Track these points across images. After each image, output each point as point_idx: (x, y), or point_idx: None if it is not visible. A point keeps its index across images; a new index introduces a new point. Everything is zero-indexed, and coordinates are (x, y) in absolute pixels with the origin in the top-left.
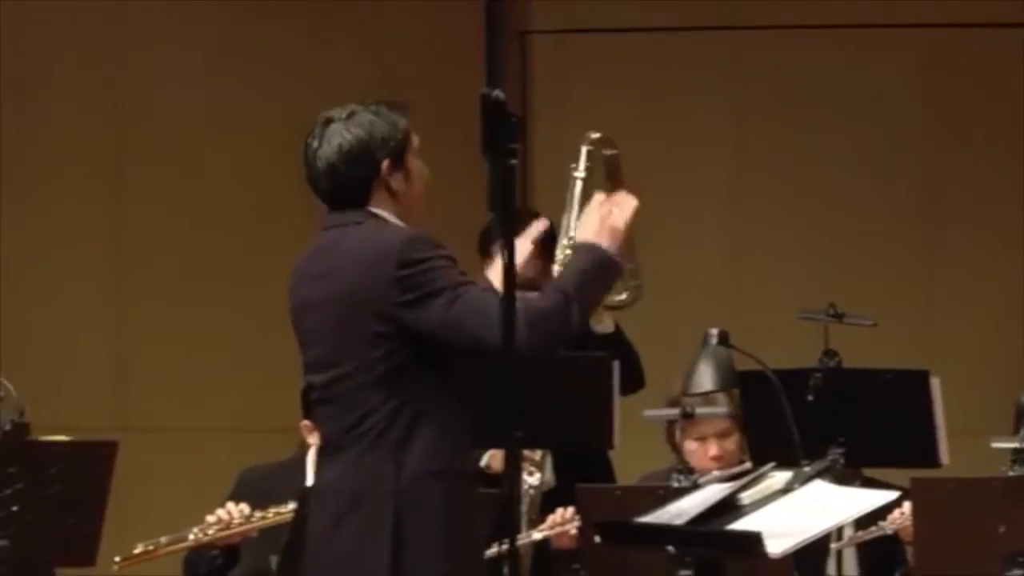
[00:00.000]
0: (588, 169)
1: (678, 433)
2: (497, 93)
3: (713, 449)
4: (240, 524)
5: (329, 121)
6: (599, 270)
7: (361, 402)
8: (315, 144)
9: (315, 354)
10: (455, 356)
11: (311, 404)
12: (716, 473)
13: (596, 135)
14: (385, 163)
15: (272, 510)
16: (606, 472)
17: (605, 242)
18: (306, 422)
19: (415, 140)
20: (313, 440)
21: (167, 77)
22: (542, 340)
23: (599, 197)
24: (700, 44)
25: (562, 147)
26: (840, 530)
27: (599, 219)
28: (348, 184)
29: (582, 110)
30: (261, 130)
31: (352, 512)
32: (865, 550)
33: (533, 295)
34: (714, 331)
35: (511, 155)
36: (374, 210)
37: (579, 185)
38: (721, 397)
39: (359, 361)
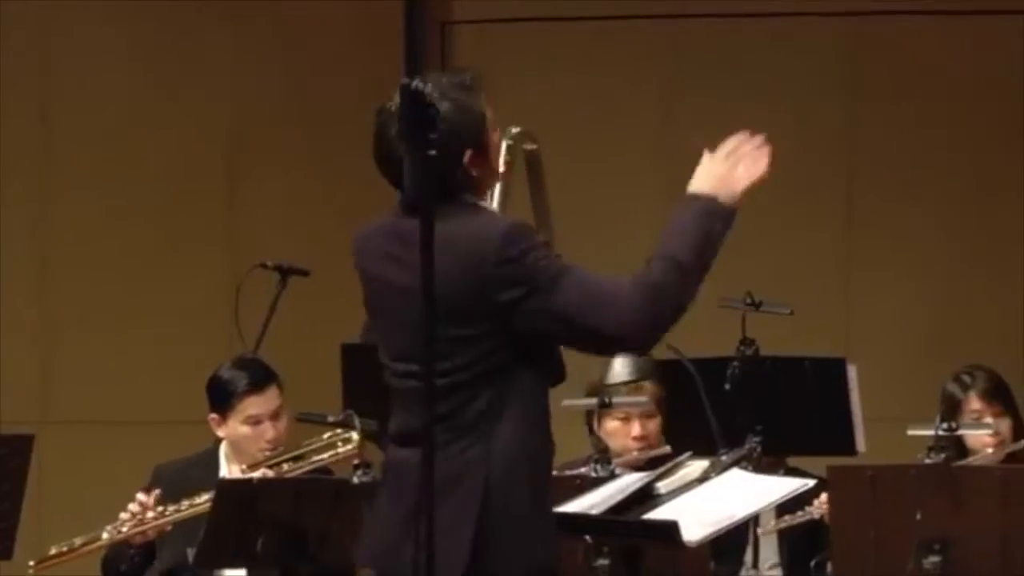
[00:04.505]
0: (508, 163)
1: (596, 418)
2: (417, 83)
3: (636, 429)
4: (154, 518)
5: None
6: (711, 228)
7: (448, 396)
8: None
9: (394, 341)
10: (551, 346)
11: (391, 389)
12: (635, 454)
13: (516, 130)
14: (469, 152)
15: (185, 502)
16: None
17: (720, 195)
18: (213, 415)
19: (490, 115)
20: (222, 433)
21: (91, 67)
22: (660, 320)
23: (725, 147)
24: (624, 33)
25: None
26: (758, 519)
27: (720, 173)
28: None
29: (504, 101)
30: (185, 120)
31: (441, 497)
32: (787, 536)
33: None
34: None
35: (431, 145)
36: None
37: (498, 180)
38: (645, 386)
39: (449, 362)
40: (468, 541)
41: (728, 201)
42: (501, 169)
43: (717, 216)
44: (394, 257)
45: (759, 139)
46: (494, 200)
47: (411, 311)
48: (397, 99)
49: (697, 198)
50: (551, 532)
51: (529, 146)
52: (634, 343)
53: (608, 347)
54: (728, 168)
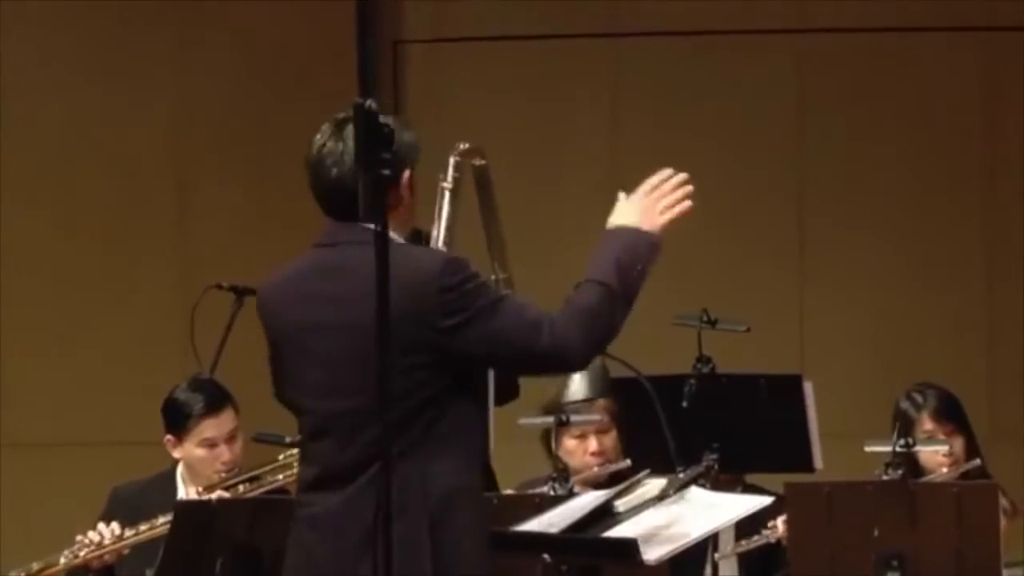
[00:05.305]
0: (456, 180)
1: (553, 437)
2: (370, 103)
3: (592, 445)
4: (111, 543)
5: (348, 122)
6: (636, 253)
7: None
8: (339, 147)
9: (318, 378)
10: (488, 371)
11: (309, 433)
12: (596, 470)
13: (465, 145)
14: (407, 173)
15: (143, 526)
16: (488, 480)
17: (642, 225)
18: (169, 437)
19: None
20: (178, 455)
21: (37, 85)
22: (594, 344)
23: (647, 184)
24: (575, 51)
25: (436, 157)
26: (717, 538)
27: (642, 208)
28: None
29: (456, 119)
30: (135, 138)
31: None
32: (746, 553)
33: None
34: None
35: (384, 165)
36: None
37: (447, 196)
38: (598, 401)
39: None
40: (428, 571)
41: (651, 230)
42: (445, 185)
43: (642, 244)
44: (318, 295)
45: (681, 177)
46: (443, 213)
47: (343, 345)
48: (326, 129)
49: (622, 229)
50: (489, 554)
51: (478, 162)
52: (567, 364)
53: (542, 369)
54: (649, 203)
